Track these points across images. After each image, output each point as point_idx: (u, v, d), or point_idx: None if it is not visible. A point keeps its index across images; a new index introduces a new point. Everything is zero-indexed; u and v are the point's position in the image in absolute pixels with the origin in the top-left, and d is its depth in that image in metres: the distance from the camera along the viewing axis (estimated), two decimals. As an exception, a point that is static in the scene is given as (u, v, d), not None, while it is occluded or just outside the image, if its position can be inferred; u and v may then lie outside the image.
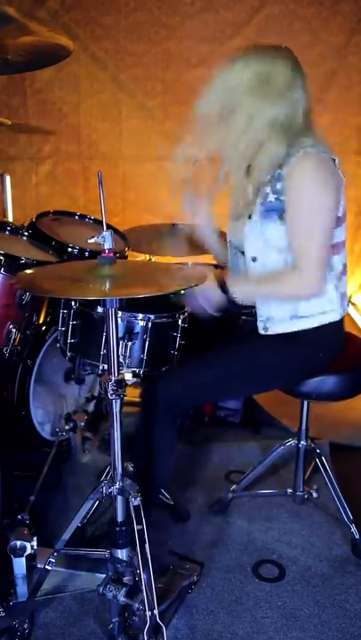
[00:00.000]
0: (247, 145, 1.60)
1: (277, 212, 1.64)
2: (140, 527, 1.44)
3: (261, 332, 1.74)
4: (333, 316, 1.74)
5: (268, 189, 1.65)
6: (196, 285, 1.48)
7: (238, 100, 1.58)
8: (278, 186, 1.63)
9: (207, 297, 1.73)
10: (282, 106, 1.57)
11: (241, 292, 1.70)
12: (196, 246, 2.49)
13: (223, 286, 1.70)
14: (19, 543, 1.58)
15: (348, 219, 1.76)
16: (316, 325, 1.72)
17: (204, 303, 1.75)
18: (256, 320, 1.74)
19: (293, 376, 1.79)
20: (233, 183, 1.72)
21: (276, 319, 1.72)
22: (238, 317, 1.95)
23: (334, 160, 1.62)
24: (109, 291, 1.37)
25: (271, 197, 1.65)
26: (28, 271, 1.59)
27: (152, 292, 1.34)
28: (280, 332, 1.72)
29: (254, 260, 1.70)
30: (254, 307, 1.76)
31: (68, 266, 1.88)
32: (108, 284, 1.37)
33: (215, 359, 1.75)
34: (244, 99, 1.58)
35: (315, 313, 1.71)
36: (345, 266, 1.76)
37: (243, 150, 1.61)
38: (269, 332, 1.73)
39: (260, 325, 1.74)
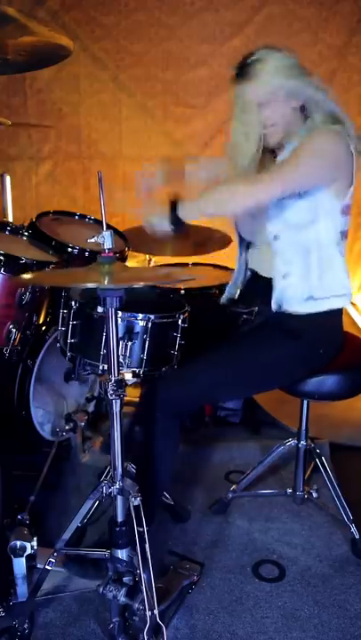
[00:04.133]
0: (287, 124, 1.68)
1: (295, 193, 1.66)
2: (140, 528, 1.44)
3: (274, 307, 1.74)
4: (344, 302, 1.77)
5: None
6: (193, 279, 1.48)
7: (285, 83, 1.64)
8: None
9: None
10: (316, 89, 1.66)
11: (189, 210, 1.67)
12: (196, 246, 2.50)
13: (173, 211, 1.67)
14: (19, 543, 1.58)
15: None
16: (328, 309, 1.74)
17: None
18: (269, 305, 1.75)
19: (294, 374, 1.80)
20: (247, 168, 1.75)
21: (292, 298, 1.73)
22: (238, 317, 1.95)
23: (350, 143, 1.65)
24: (109, 283, 1.36)
25: None
26: (28, 275, 1.59)
27: (152, 281, 1.32)
28: (295, 312, 1.73)
29: (276, 238, 1.73)
30: (255, 306, 1.77)
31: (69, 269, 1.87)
32: (107, 279, 1.37)
33: (216, 359, 1.75)
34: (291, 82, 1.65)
35: (329, 295, 1.74)
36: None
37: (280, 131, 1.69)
38: (283, 309, 1.74)
39: (274, 303, 1.74)
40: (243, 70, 1.65)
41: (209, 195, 1.67)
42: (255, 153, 1.68)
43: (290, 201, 1.67)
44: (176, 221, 1.65)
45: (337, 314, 1.81)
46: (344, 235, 1.76)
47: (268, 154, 1.78)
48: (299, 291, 1.73)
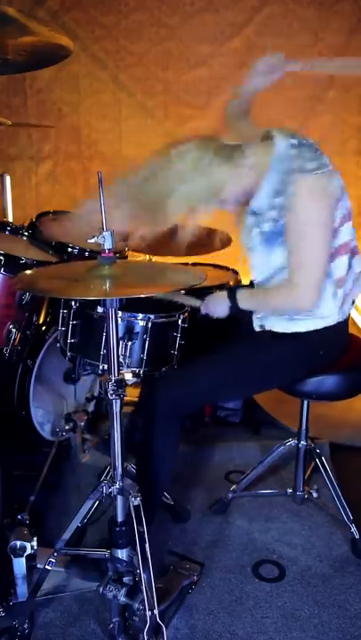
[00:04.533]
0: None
1: (280, 236, 1.64)
2: (140, 528, 1.44)
3: (257, 329, 1.76)
4: (329, 322, 1.73)
5: (265, 218, 1.66)
6: (195, 286, 1.48)
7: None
8: (275, 214, 1.63)
9: (214, 305, 1.77)
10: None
11: (246, 302, 1.73)
12: (196, 246, 2.49)
13: (231, 296, 1.73)
14: (19, 543, 1.58)
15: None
16: (311, 329, 1.72)
17: (210, 309, 1.78)
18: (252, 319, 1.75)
19: (295, 374, 1.79)
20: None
21: (273, 318, 1.74)
22: (238, 318, 1.94)
23: (328, 171, 1.60)
24: (110, 291, 1.37)
25: (269, 224, 1.65)
26: (29, 272, 1.59)
27: (152, 292, 1.34)
28: (275, 331, 1.74)
29: (252, 283, 1.77)
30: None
31: (68, 266, 1.87)
32: (108, 284, 1.37)
33: (215, 360, 1.75)
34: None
35: (310, 317, 1.71)
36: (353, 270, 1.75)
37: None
38: (266, 329, 1.74)
39: (256, 322, 1.76)
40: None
41: (260, 301, 1.74)
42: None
43: (277, 250, 1.66)
44: (233, 307, 1.72)
45: (332, 325, 1.76)
46: (335, 255, 1.68)
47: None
48: (279, 312, 1.74)
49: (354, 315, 3.31)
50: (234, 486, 2.13)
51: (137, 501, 1.45)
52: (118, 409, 1.45)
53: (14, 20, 2.09)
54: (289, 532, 2.02)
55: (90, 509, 1.76)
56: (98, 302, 1.70)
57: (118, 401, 1.45)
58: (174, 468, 1.83)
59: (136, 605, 1.46)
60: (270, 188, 1.61)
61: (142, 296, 1.38)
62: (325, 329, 1.73)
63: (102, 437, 2.37)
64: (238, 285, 1.78)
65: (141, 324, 1.72)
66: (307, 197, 1.57)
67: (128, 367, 1.73)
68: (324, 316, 1.72)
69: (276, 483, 2.27)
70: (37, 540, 1.60)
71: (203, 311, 1.80)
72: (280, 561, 1.89)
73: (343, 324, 1.79)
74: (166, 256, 2.57)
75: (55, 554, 1.57)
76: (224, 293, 1.75)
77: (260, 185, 1.63)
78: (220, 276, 2.35)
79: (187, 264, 2.62)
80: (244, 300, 1.73)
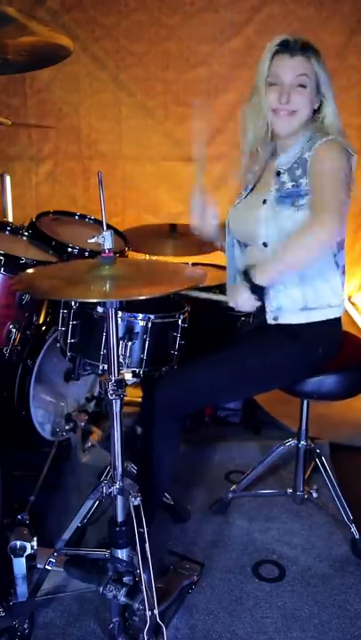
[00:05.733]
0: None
1: (292, 198, 1.66)
2: (140, 528, 1.44)
3: (271, 322, 1.74)
4: (337, 312, 1.76)
5: (285, 176, 1.69)
6: (196, 286, 1.48)
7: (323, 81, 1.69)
8: (299, 172, 1.66)
9: (234, 297, 1.73)
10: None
11: (268, 276, 1.66)
12: (196, 246, 2.49)
13: (250, 282, 1.67)
14: (19, 543, 1.58)
15: (347, 219, 1.77)
16: (322, 319, 1.73)
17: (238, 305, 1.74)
18: (264, 312, 1.73)
19: (294, 374, 1.79)
20: (245, 168, 1.80)
21: (286, 310, 1.72)
22: (237, 318, 1.95)
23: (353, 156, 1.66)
24: (110, 292, 1.37)
25: (289, 185, 1.68)
26: (29, 271, 1.59)
27: (153, 293, 1.34)
28: (289, 323, 1.73)
29: (265, 245, 1.72)
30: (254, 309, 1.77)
31: (68, 266, 1.87)
32: (108, 286, 1.37)
33: (215, 361, 1.74)
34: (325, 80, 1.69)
35: (323, 305, 1.73)
36: (343, 266, 1.78)
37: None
38: (280, 322, 1.73)
39: (269, 316, 1.73)
40: (290, 44, 1.64)
41: (282, 259, 1.66)
42: (265, 136, 1.73)
43: (287, 212, 1.67)
44: (255, 289, 1.66)
45: (334, 320, 1.79)
46: (341, 245, 1.75)
47: (269, 160, 1.80)
48: (293, 301, 1.72)
49: (354, 315, 3.31)
50: (234, 486, 2.13)
51: (137, 501, 1.45)
52: (118, 409, 1.45)
53: (14, 20, 2.09)
54: (289, 532, 2.02)
55: (90, 509, 1.75)
56: (98, 303, 1.70)
57: (118, 401, 1.45)
58: (175, 467, 1.82)
59: (136, 605, 1.46)
60: (299, 147, 1.69)
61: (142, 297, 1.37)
62: (329, 321, 1.74)
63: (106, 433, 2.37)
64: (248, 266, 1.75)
65: (141, 324, 1.72)
66: (334, 149, 1.63)
67: (128, 367, 1.72)
68: (334, 305, 1.74)
69: (276, 483, 2.27)
70: (37, 540, 1.60)
71: (232, 305, 1.74)
72: (280, 561, 1.89)
73: (339, 320, 1.82)
74: (166, 256, 2.57)
75: (55, 554, 1.57)
76: (238, 284, 1.72)
77: (291, 144, 1.72)
78: (220, 276, 2.35)
79: (186, 264, 2.62)
80: (261, 272, 1.65)
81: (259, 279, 1.64)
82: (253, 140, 1.77)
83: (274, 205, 1.69)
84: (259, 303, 1.68)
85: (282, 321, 1.73)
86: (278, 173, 1.72)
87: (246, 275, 1.67)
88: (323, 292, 1.72)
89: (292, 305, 1.72)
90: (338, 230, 1.60)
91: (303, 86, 1.65)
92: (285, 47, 1.64)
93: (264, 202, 1.71)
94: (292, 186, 1.67)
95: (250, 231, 1.76)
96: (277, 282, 1.69)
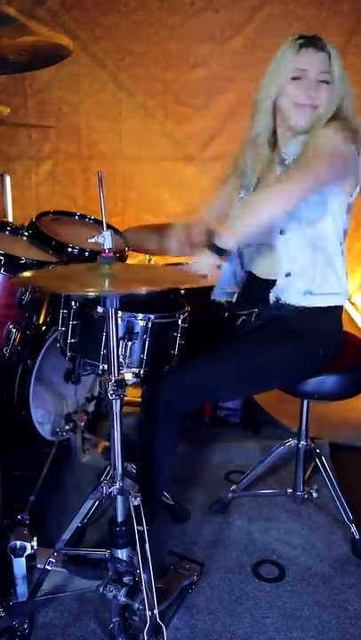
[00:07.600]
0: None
1: None
2: (140, 528, 1.44)
3: (272, 300, 1.75)
4: (340, 300, 1.79)
5: (290, 160, 1.72)
6: (194, 285, 1.48)
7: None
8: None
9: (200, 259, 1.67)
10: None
11: (233, 236, 1.61)
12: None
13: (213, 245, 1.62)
14: (19, 543, 1.58)
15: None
16: (323, 305, 1.74)
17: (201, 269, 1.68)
18: (267, 303, 1.75)
19: (294, 374, 1.80)
20: (251, 159, 1.81)
21: (290, 291, 1.74)
22: (237, 317, 1.94)
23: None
24: (109, 288, 1.37)
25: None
26: (28, 274, 1.59)
27: (153, 287, 1.33)
28: (291, 304, 1.74)
29: (282, 232, 1.73)
30: (254, 309, 1.77)
31: (68, 268, 1.87)
32: (107, 283, 1.37)
33: (215, 359, 1.74)
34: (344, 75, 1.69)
35: (327, 292, 1.75)
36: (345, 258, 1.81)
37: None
38: (281, 302, 1.74)
39: (272, 295, 1.75)
40: (314, 40, 1.65)
41: (244, 209, 1.65)
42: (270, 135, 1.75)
43: None
44: (219, 251, 1.60)
45: (335, 313, 1.81)
46: (345, 233, 1.78)
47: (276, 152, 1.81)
48: (299, 286, 1.74)
49: (354, 315, 3.31)
50: (234, 486, 2.13)
51: (137, 501, 1.45)
52: (118, 409, 1.45)
53: (14, 20, 2.09)
54: (289, 532, 2.02)
55: (90, 509, 1.76)
56: (98, 302, 1.70)
57: (118, 401, 1.44)
58: (174, 467, 1.82)
59: (136, 605, 1.46)
60: (303, 138, 1.70)
61: (142, 292, 1.37)
62: (329, 318, 1.76)
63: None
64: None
65: (141, 324, 1.71)
66: (331, 128, 1.63)
67: (128, 367, 1.72)
68: (337, 292, 1.76)
69: (276, 483, 2.27)
70: (37, 540, 1.60)
71: (194, 267, 1.67)
72: (280, 561, 1.89)
73: (340, 318, 1.84)
74: (166, 256, 2.57)
75: (55, 554, 1.57)
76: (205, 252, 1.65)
77: (299, 137, 1.72)
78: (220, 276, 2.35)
79: (186, 264, 2.62)
80: (224, 234, 1.60)
81: (224, 241, 1.58)
82: (260, 136, 1.78)
83: None
84: (218, 263, 1.62)
85: (284, 300, 1.74)
86: (284, 161, 1.74)
87: (210, 237, 1.64)
88: (328, 277, 1.75)
89: (297, 289, 1.74)
90: (305, 188, 1.58)
91: (326, 82, 1.66)
92: (311, 43, 1.65)
93: None
94: None
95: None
96: (242, 242, 1.69)
